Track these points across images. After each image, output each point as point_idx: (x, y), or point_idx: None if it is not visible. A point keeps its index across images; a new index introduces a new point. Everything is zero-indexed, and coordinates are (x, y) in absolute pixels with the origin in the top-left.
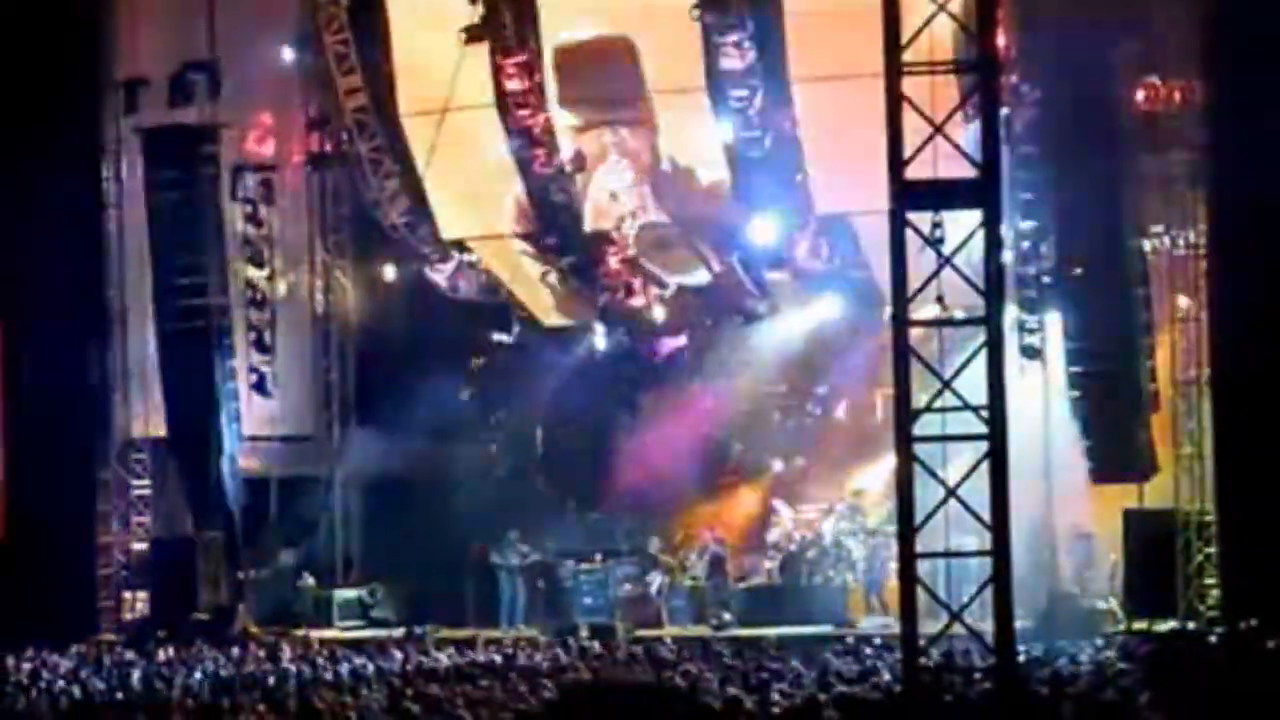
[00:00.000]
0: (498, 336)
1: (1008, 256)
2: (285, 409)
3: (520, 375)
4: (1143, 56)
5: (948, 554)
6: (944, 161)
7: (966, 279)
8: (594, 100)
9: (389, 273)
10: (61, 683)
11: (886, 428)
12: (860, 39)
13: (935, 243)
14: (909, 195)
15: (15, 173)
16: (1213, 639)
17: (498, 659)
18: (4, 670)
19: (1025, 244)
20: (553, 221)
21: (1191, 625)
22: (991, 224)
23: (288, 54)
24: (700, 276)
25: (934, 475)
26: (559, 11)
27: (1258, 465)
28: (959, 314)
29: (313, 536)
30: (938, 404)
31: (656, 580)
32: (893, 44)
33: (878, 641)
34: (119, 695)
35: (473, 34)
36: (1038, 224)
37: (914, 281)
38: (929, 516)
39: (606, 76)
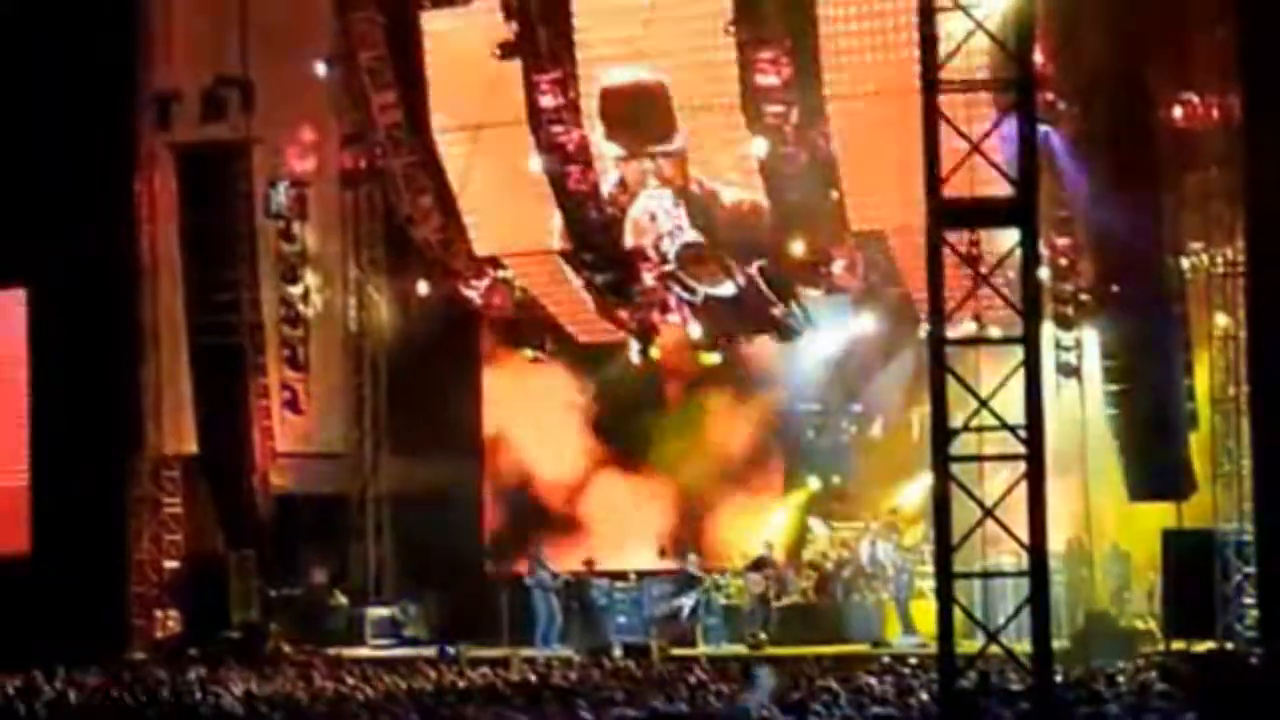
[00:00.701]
0: (531, 353)
1: (1044, 274)
2: (318, 426)
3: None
4: (1180, 73)
5: (985, 574)
6: (977, 177)
7: (1004, 297)
8: (636, 136)
9: (422, 289)
10: None
11: (923, 446)
12: (897, 55)
13: (972, 260)
14: (946, 213)
15: (48, 187)
16: (1252, 659)
17: (531, 678)
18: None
19: (1062, 261)
20: (587, 238)
21: (1230, 645)
22: (1029, 242)
23: (321, 69)
24: (727, 288)
25: (971, 495)
26: (595, 28)
27: None
28: (996, 332)
29: (345, 554)
30: (975, 423)
31: (689, 601)
32: (930, 61)
33: (913, 661)
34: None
35: (507, 50)
36: (1074, 241)
37: (951, 299)
38: (966, 536)
39: (646, 117)
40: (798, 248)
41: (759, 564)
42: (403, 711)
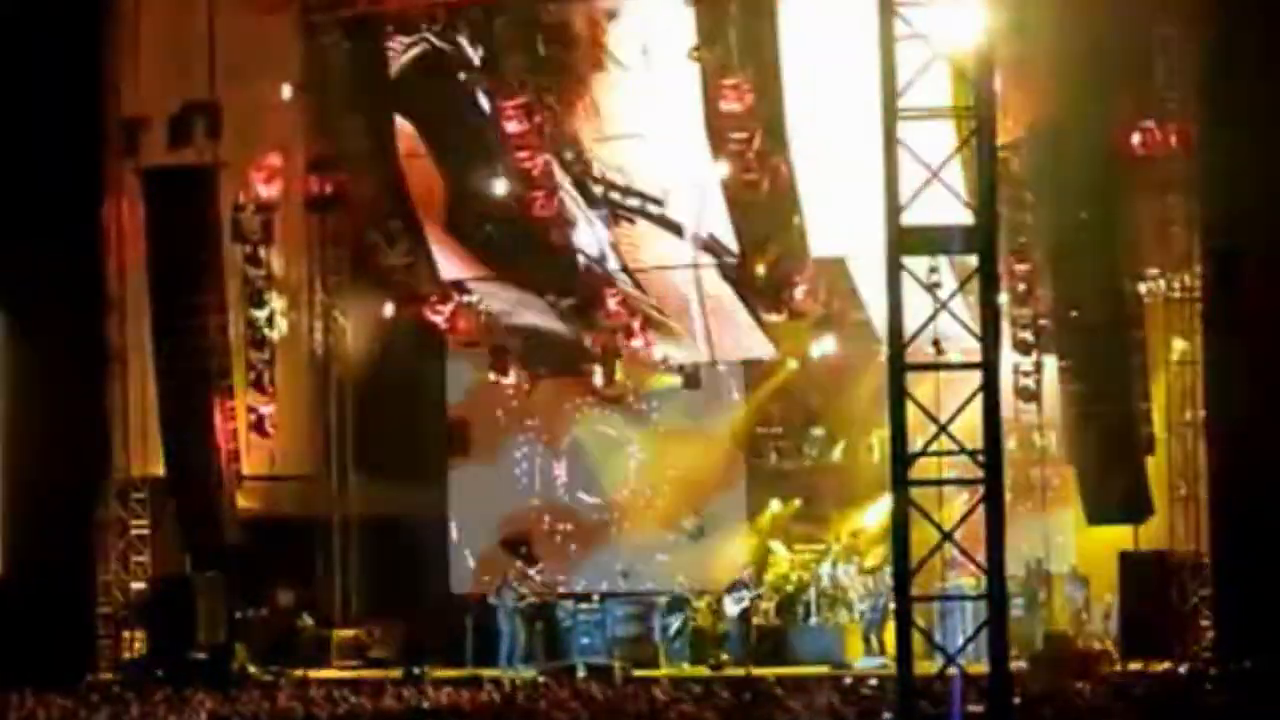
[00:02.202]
0: (494, 377)
1: (1003, 299)
2: (284, 449)
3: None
4: (1139, 100)
5: (944, 596)
6: (938, 201)
7: (963, 323)
8: None
9: (387, 313)
10: None
11: (883, 469)
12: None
13: (931, 287)
14: (905, 240)
15: (15, 212)
16: (1207, 680)
17: (495, 699)
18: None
19: (1021, 287)
20: (552, 264)
21: (1186, 666)
22: (988, 269)
23: (289, 94)
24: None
25: (929, 519)
26: (558, 53)
27: (1252, 508)
28: (955, 357)
29: (311, 576)
30: (934, 447)
31: (676, 621)
32: (890, 88)
33: (873, 682)
34: None
35: (473, 76)
36: (1033, 267)
37: (910, 325)
38: (925, 560)
39: None
40: (760, 271)
41: (736, 585)
42: None
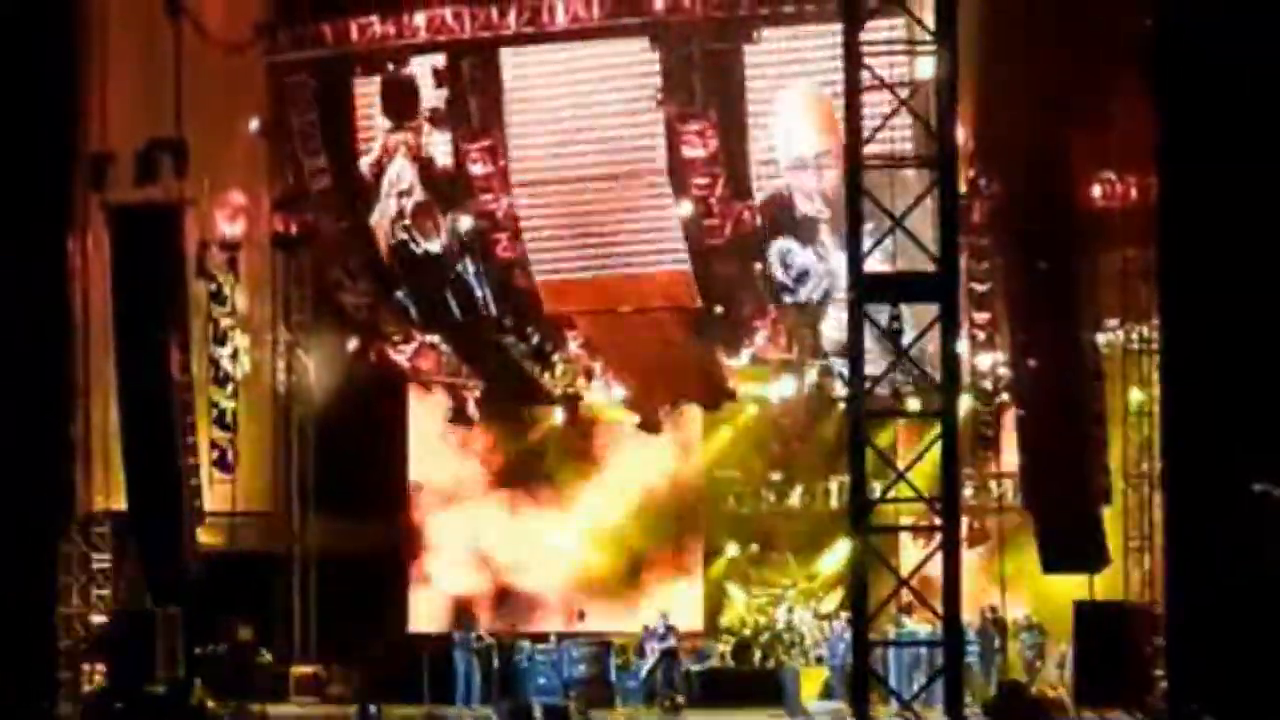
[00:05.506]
0: (452, 415)
1: (963, 347)
2: (246, 486)
3: None
4: (1099, 152)
5: (900, 642)
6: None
7: (923, 371)
8: None
9: (350, 351)
10: None
11: (841, 514)
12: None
13: (893, 334)
14: (868, 287)
15: None
16: None
17: None
18: None
19: (980, 335)
20: (512, 305)
21: (1140, 716)
22: (948, 318)
23: (255, 133)
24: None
25: (886, 564)
26: (524, 95)
27: (1207, 559)
28: (914, 404)
29: (270, 612)
30: (892, 493)
31: (652, 659)
32: (854, 138)
33: None
34: None
35: (437, 117)
36: (993, 316)
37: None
38: (882, 605)
39: None
40: (718, 311)
41: (651, 632)
42: None
